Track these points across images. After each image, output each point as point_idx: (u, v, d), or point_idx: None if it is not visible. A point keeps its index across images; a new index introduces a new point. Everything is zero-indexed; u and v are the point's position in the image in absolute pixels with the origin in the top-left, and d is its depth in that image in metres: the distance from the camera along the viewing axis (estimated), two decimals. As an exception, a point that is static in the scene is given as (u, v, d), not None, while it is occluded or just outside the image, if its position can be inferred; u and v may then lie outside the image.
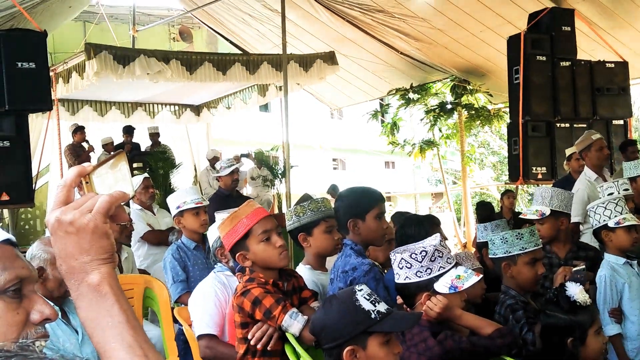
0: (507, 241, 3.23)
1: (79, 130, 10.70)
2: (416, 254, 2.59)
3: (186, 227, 4.53)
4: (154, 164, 9.66)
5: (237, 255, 2.69)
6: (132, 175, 9.40)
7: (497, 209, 9.93)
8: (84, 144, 10.65)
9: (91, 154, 10.49)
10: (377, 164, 28.20)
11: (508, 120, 8.62)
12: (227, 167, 7.02)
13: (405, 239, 3.36)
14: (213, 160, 11.13)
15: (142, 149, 11.57)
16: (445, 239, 3.04)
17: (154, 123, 12.54)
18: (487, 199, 17.53)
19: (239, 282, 2.76)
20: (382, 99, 15.63)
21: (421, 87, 12.21)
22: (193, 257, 4.46)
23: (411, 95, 12.32)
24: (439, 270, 2.58)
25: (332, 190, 13.75)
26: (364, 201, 3.10)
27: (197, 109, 13.26)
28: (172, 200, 4.61)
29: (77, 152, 10.40)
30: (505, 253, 3.23)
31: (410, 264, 2.59)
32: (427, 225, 3.53)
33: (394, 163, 29.08)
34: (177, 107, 13.07)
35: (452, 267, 2.60)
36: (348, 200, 3.13)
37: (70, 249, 0.99)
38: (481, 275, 2.69)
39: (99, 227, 1.00)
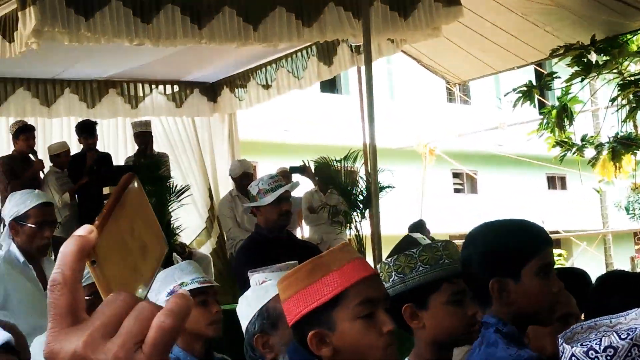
0: None
1: (23, 132, 10.94)
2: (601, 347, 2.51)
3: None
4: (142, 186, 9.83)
5: (311, 334, 2.71)
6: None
7: None
8: (30, 156, 10.93)
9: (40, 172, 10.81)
10: (534, 181, 27.91)
11: None
12: (270, 189, 7.04)
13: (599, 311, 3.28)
14: (243, 180, 11.19)
15: (118, 162, 11.79)
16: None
17: (137, 116, 12.76)
18: None
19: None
20: (539, 65, 15.42)
21: (611, 43, 12.01)
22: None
23: (593, 56, 12.13)
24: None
25: (415, 230, 13.65)
26: (517, 246, 3.10)
27: (211, 90, 13.47)
28: (160, 284, 4.63)
29: (16, 170, 10.66)
30: None
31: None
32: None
33: (564, 180, 28.70)
34: (177, 88, 13.29)
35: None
36: (488, 246, 3.13)
37: None
38: None
39: None
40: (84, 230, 1.04)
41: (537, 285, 3.06)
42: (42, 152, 11.42)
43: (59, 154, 11.33)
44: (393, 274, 3.20)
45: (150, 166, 10.80)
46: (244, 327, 3.58)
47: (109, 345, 1.00)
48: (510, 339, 3.03)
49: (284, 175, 10.45)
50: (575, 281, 3.85)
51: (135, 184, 1.13)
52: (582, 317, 3.74)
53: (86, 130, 11.48)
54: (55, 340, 1.01)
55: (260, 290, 3.56)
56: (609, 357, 2.50)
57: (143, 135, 11.95)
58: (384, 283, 3.20)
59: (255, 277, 3.75)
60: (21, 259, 5.55)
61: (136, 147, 12.07)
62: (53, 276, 1.03)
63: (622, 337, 2.53)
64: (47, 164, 11.26)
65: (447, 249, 3.23)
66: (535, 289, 3.06)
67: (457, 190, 29.24)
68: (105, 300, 1.04)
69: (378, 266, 3.31)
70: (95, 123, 11.70)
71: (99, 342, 1.00)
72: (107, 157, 11.67)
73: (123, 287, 1.06)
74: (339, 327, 2.69)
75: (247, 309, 3.50)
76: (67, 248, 1.03)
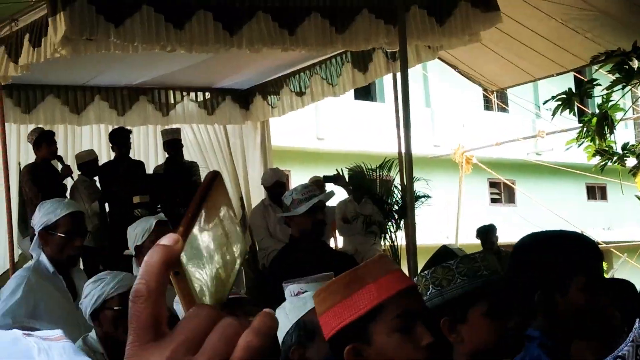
0: None
1: (45, 138, 10.99)
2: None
3: None
4: (172, 196, 9.84)
5: (348, 348, 2.71)
6: (136, 215, 9.71)
7: None
8: (56, 162, 10.99)
9: (68, 180, 10.86)
10: (573, 191, 27.75)
11: None
12: (304, 199, 7.05)
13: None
14: (275, 189, 11.22)
15: (149, 171, 11.83)
16: None
17: (168, 124, 12.81)
18: None
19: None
20: (579, 72, 15.33)
21: (655, 49, 11.93)
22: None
23: (635, 63, 12.05)
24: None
25: (485, 234, 13.58)
26: (566, 259, 3.09)
27: (243, 97, 13.50)
28: None
29: (43, 179, 10.69)
30: None
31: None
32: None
33: (604, 190, 28.53)
34: (208, 95, 13.34)
35: None
36: (536, 257, 3.13)
37: None
38: None
39: None
40: (169, 239, 1.02)
41: (585, 299, 3.05)
42: (71, 160, 11.49)
43: (87, 162, 11.38)
44: (430, 286, 3.18)
45: (180, 175, 10.84)
46: (280, 339, 3.58)
47: None
48: (553, 354, 3.02)
49: (318, 185, 10.45)
50: (621, 293, 3.82)
51: (219, 183, 1.10)
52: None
53: (120, 138, 11.55)
54: (135, 355, 1.00)
55: (298, 302, 3.56)
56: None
57: (173, 143, 11.98)
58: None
59: (290, 288, 3.74)
60: (51, 269, 5.55)
61: (166, 156, 12.11)
62: (137, 287, 1.02)
63: (627, 342, 2.55)
64: (75, 172, 11.31)
65: (485, 260, 3.20)
66: (582, 303, 3.05)
67: (494, 200, 29.11)
68: (187, 314, 1.03)
69: (415, 279, 3.30)
70: (129, 131, 11.75)
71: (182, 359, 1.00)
72: (140, 165, 11.73)
73: (205, 299, 1.05)
74: (376, 341, 2.69)
75: (284, 320, 3.49)
76: (152, 258, 1.02)
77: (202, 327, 1.01)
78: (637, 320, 2.62)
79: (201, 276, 1.05)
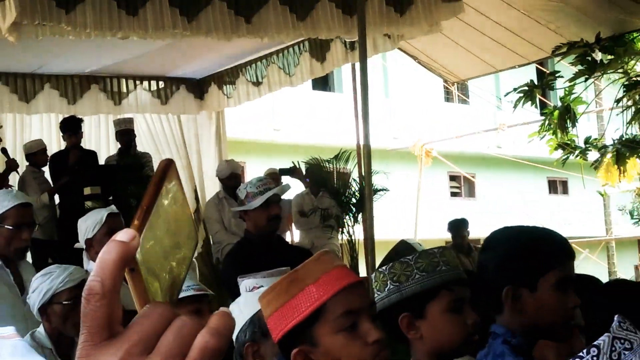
0: None
1: (-12, 127, 10.97)
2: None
3: None
4: (124, 187, 9.79)
5: (295, 352, 2.71)
6: (86, 208, 9.66)
7: None
8: (-2, 154, 10.93)
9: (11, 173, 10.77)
10: (535, 184, 27.95)
11: None
12: (259, 193, 7.04)
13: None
14: (230, 181, 11.21)
15: (101, 161, 11.77)
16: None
17: (120, 113, 12.75)
18: None
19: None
20: (541, 64, 15.42)
21: (616, 41, 12.01)
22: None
23: (598, 55, 12.14)
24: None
25: (456, 227, 13.60)
26: (538, 255, 3.11)
27: (198, 87, 13.48)
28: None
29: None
30: None
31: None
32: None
33: (566, 184, 28.78)
34: (162, 84, 13.31)
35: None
36: (507, 251, 3.13)
37: None
38: None
39: None
40: (125, 235, 1.01)
41: (554, 298, 3.07)
42: (19, 150, 11.39)
43: (36, 152, 11.27)
44: (388, 282, 3.19)
45: (133, 166, 10.79)
46: (234, 335, 3.57)
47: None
48: (518, 351, 3.03)
49: (274, 177, 10.43)
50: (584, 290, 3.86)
51: (173, 173, 1.08)
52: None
53: (71, 127, 11.40)
54: (88, 355, 0.99)
55: (252, 297, 3.54)
56: (594, 357, 2.53)
57: (126, 133, 11.93)
58: (378, 292, 3.23)
59: (245, 283, 3.74)
60: None
61: (118, 146, 12.06)
62: (90, 284, 1.00)
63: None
64: (23, 163, 11.25)
65: (444, 255, 3.22)
66: (551, 301, 3.07)
67: (454, 194, 29.31)
68: (141, 312, 1.02)
69: (372, 275, 3.30)
70: (81, 120, 11.65)
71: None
72: (92, 154, 11.65)
73: (159, 296, 1.04)
74: (322, 342, 2.69)
75: (238, 315, 3.49)
76: (108, 255, 1.00)
77: (157, 326, 1.00)
78: (616, 315, 2.64)
79: (155, 272, 1.04)
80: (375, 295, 3.24)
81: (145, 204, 1.03)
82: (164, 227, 1.05)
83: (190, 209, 1.14)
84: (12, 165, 10.79)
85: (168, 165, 1.08)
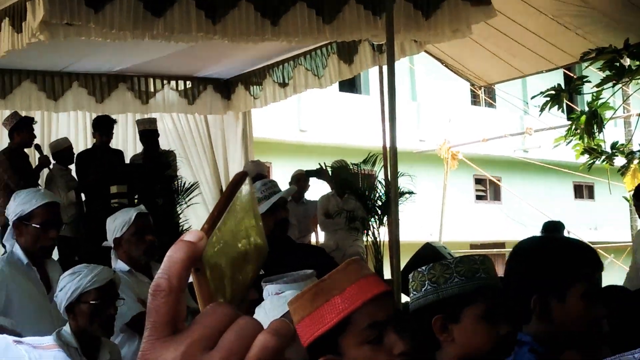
0: None
1: (21, 125, 10.93)
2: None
3: None
4: (150, 186, 9.81)
5: (321, 360, 2.71)
6: (113, 206, 9.68)
7: None
8: (32, 150, 10.97)
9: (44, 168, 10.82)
10: (560, 189, 27.81)
11: None
12: (264, 197, 6.78)
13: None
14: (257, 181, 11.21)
15: (127, 160, 11.81)
16: None
17: (147, 112, 12.77)
18: None
19: None
20: (569, 69, 15.36)
21: (646, 47, 11.96)
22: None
23: (626, 61, 12.08)
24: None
25: (551, 230, 13.33)
26: (568, 265, 3.11)
27: (225, 87, 13.48)
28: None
29: (18, 166, 10.66)
30: None
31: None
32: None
33: (592, 189, 28.62)
34: (189, 84, 13.32)
35: None
36: (537, 260, 3.14)
37: None
38: None
39: None
40: (193, 235, 1.05)
41: (582, 308, 3.07)
42: (45, 148, 11.44)
43: (63, 150, 11.31)
44: (426, 282, 3.18)
45: (159, 165, 10.81)
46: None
47: (208, 359, 1.01)
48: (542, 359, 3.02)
49: (300, 179, 10.46)
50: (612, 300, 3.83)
51: (247, 183, 1.12)
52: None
53: (104, 127, 11.44)
54: (152, 349, 1.02)
55: (278, 301, 3.54)
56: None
57: (148, 133, 11.92)
58: (414, 292, 3.23)
59: (268, 289, 3.73)
60: (25, 260, 5.53)
61: (140, 146, 12.10)
62: (157, 281, 1.03)
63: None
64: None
65: (485, 263, 3.21)
66: (579, 311, 3.07)
67: (479, 197, 29.18)
68: (203, 311, 1.05)
69: (410, 275, 3.30)
70: (114, 121, 11.67)
71: (198, 356, 1.01)
72: (118, 153, 11.69)
73: (224, 297, 1.07)
74: (348, 353, 2.69)
75: (264, 319, 3.48)
76: (176, 254, 1.04)
77: (218, 324, 1.03)
78: None
79: (220, 274, 1.07)
80: (411, 294, 3.24)
81: (217, 210, 1.07)
82: (232, 234, 1.09)
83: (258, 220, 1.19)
84: (44, 162, 10.85)
85: (243, 177, 1.12)
